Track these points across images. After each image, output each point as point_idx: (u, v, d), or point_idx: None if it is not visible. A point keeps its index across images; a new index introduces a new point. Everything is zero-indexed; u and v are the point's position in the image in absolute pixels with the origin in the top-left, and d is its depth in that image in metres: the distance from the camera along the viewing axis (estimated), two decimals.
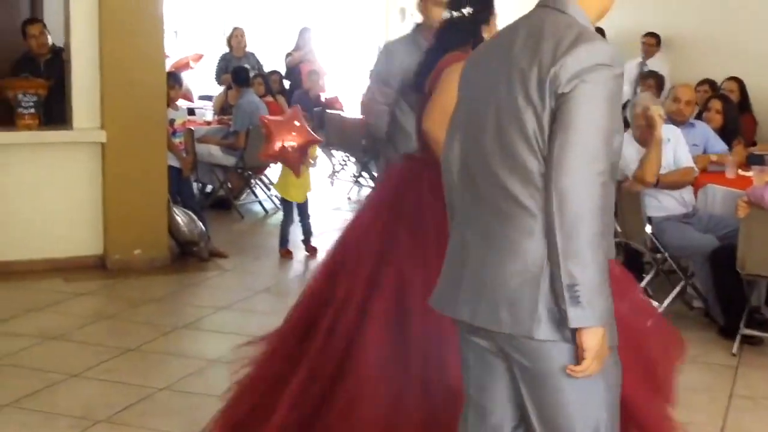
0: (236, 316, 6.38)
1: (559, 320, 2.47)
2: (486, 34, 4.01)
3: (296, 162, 7.57)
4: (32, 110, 7.29)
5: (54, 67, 7.83)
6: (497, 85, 2.58)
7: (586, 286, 2.40)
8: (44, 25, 8.23)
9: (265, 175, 10.53)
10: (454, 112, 2.84)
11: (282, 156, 7.51)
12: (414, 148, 4.17)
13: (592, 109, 2.42)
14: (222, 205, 10.07)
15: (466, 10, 3.97)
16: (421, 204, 3.82)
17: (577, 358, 2.48)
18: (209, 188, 10.45)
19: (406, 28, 14.36)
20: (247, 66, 10.84)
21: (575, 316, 2.41)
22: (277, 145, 7.42)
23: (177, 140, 8.01)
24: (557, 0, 2.59)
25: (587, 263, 2.40)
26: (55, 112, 7.58)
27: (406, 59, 5.09)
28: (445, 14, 4.02)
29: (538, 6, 2.65)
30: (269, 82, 10.91)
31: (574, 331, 2.46)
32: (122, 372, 5.22)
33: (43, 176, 7.34)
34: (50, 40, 8.19)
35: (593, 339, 2.44)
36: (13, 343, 5.64)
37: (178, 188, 7.98)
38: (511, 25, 2.68)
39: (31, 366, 5.29)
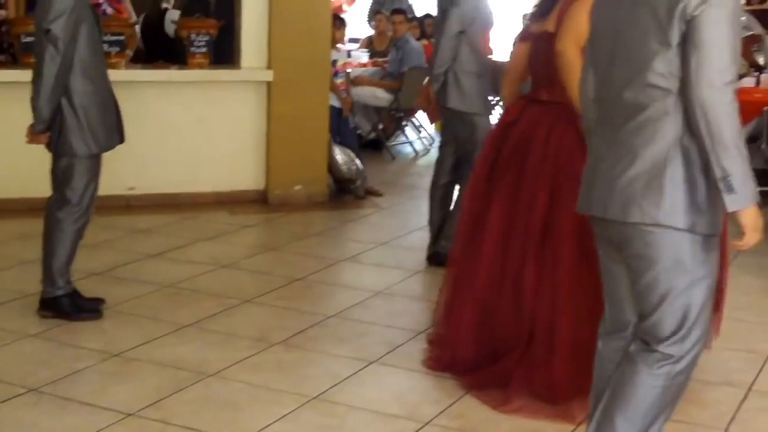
0: (395, 251, 6.58)
1: (684, 209, 2.85)
2: None
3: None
4: (204, 49, 7.57)
5: (224, 7, 8.09)
6: (626, 18, 2.92)
7: (737, 175, 2.77)
8: None
9: (416, 117, 10.69)
10: (587, 48, 3.19)
11: None
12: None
13: (720, 28, 2.77)
14: (373, 145, 10.29)
15: None
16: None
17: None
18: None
19: None
20: (402, 8, 10.98)
21: (731, 201, 2.79)
22: None
23: (339, 81, 8.22)
24: None
25: (734, 156, 2.77)
26: (223, 51, 7.86)
27: None
28: None
29: None
30: (424, 26, 11.01)
31: (697, 222, 2.86)
32: (292, 299, 5.49)
33: (212, 113, 7.66)
34: None
35: (749, 217, 2.84)
36: (188, 269, 5.98)
37: (338, 128, 8.21)
38: None
39: (207, 291, 5.60)
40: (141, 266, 6.07)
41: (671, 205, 2.85)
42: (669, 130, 2.86)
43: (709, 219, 2.88)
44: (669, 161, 2.86)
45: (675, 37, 2.80)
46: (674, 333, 2.98)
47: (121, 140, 5.12)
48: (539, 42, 4.40)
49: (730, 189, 2.78)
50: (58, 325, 4.91)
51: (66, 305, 5.00)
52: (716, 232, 2.92)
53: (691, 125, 2.82)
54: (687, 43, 2.79)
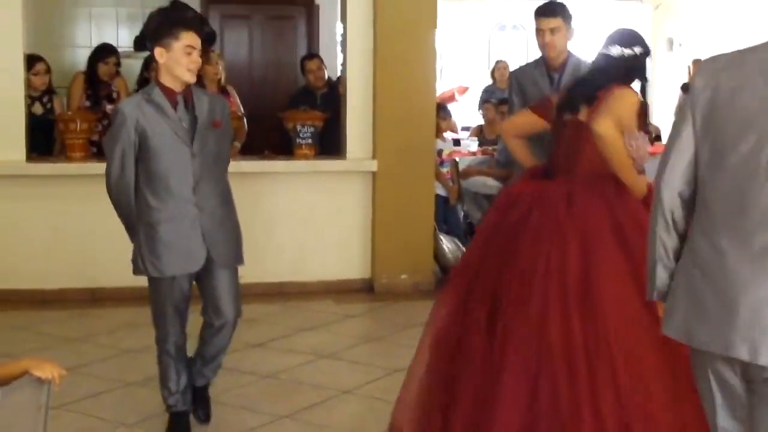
0: None
1: None
2: None
3: None
4: (309, 141, 7.68)
5: (329, 99, 8.23)
6: None
7: None
8: (321, 60, 8.67)
9: None
10: (685, 129, 2.65)
11: None
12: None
13: None
14: None
15: (638, 50, 4.16)
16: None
17: None
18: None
19: (674, 57, 14.16)
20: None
21: None
22: None
23: (444, 170, 8.23)
24: None
25: None
26: (327, 141, 7.96)
27: (528, 87, 5.96)
28: (615, 50, 4.17)
29: None
30: None
31: None
32: (392, 391, 5.34)
33: (318, 203, 7.74)
34: (326, 75, 8.62)
35: None
36: (290, 359, 5.97)
37: (444, 216, 8.19)
38: None
39: (306, 381, 5.58)
40: (243, 356, 6.08)
41: None
42: None
43: None
44: None
45: None
46: None
47: (224, 262, 4.78)
48: (564, 129, 4.23)
49: None
50: (155, 416, 4.93)
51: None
52: None
53: None
54: None
